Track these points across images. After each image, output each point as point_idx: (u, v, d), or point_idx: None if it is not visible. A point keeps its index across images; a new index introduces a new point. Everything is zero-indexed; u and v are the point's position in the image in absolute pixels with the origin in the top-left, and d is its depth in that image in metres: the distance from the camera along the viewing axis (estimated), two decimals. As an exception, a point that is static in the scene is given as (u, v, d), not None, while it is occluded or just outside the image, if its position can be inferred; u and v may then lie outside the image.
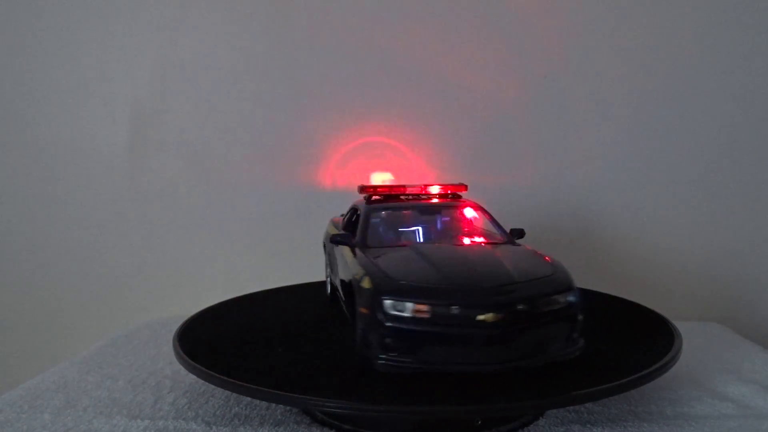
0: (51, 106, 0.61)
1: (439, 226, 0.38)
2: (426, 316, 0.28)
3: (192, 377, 0.32)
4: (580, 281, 0.48)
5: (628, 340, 0.36)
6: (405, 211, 0.39)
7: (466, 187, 0.42)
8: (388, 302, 0.29)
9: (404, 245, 0.35)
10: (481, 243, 0.35)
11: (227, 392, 0.31)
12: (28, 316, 0.64)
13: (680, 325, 0.37)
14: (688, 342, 0.34)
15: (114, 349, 0.46)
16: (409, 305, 0.28)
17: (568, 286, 0.31)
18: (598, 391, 0.28)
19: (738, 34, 0.56)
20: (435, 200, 0.40)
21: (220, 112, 0.60)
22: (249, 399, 0.33)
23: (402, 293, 0.29)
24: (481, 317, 0.28)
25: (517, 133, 0.58)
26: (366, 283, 0.30)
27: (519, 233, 0.39)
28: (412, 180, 0.58)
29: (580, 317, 0.30)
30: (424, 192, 0.41)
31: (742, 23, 0.56)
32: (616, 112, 0.58)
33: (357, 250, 0.36)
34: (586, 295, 0.46)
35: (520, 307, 0.28)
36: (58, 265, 0.63)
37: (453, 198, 0.41)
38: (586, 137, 0.58)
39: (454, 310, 0.28)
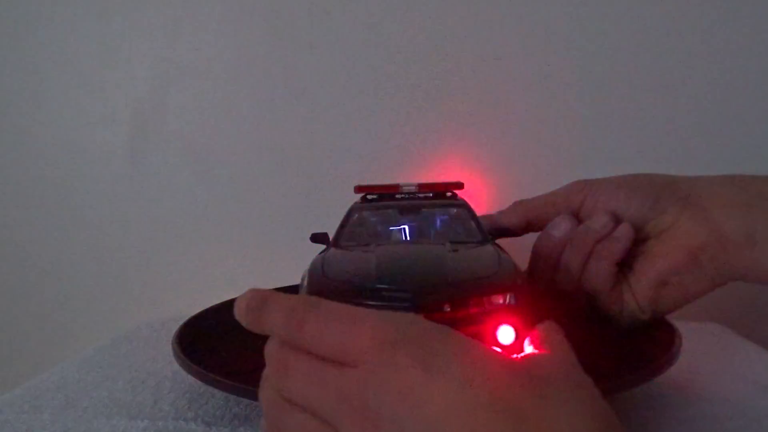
0: (50, 106, 0.61)
1: (416, 225, 0.37)
2: None
3: (192, 377, 0.32)
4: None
5: (628, 340, 0.36)
6: (387, 210, 0.38)
7: (462, 186, 0.41)
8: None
9: (369, 245, 0.35)
10: (444, 244, 0.34)
11: (227, 393, 0.31)
12: (28, 316, 0.64)
13: (680, 325, 0.37)
14: (688, 342, 0.34)
15: (114, 349, 0.46)
16: None
17: (506, 288, 0.29)
18: (596, 391, 0.28)
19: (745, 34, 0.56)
20: (424, 200, 0.39)
21: (221, 112, 0.61)
22: (249, 400, 0.33)
23: (331, 292, 0.29)
24: None
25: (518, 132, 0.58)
26: (305, 280, 0.32)
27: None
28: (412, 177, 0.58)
29: (521, 317, 0.29)
30: (420, 190, 0.40)
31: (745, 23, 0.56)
32: (616, 111, 0.58)
33: (327, 249, 0.36)
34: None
35: (446, 308, 0.28)
36: (57, 265, 0.63)
37: (445, 197, 0.40)
38: (587, 136, 0.58)
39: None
